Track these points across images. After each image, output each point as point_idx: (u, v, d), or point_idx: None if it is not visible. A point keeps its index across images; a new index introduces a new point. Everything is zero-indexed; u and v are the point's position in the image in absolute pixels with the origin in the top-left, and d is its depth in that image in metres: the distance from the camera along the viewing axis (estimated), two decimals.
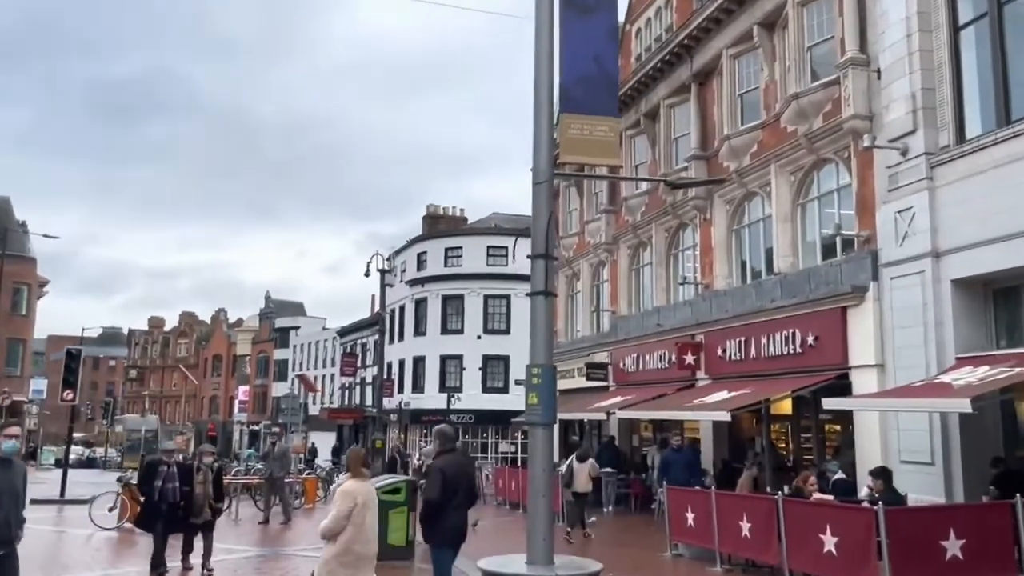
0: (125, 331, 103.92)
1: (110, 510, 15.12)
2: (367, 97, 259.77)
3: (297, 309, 76.56)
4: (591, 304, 26.27)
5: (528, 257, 8.86)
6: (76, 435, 68.36)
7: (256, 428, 67.60)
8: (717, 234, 18.88)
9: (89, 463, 53.34)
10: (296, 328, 69.78)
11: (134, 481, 15.39)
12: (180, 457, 14.83)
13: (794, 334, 15.35)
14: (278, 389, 67.46)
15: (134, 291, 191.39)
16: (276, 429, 40.60)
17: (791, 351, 15.40)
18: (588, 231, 26.15)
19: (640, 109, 22.38)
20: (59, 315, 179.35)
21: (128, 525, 15.06)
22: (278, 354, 70.45)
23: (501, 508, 22.12)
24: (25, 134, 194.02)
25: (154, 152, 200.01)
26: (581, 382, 24.55)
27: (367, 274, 29.27)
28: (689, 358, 18.78)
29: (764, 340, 16.25)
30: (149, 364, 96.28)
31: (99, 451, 60.54)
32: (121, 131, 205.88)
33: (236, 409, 78.19)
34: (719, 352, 17.87)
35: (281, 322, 71.33)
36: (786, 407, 16.88)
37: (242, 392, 76.89)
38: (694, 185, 12.28)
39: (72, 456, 59.58)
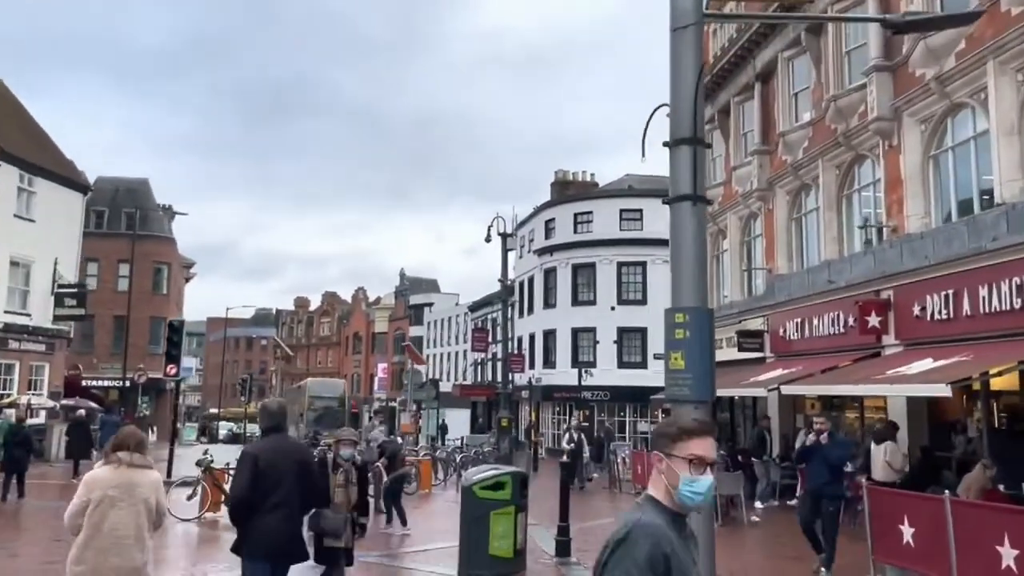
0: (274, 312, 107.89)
1: (188, 498, 13.35)
2: (497, 87, 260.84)
3: (431, 286, 75.92)
4: (741, 264, 22.61)
5: (665, 145, 5.85)
6: (222, 411, 70.84)
7: (394, 405, 67.50)
8: (908, 163, 14.91)
9: (234, 439, 54.42)
10: (430, 305, 68.96)
11: (216, 464, 13.57)
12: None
13: None
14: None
15: (288, 278, 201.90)
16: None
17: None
18: (736, 179, 22.47)
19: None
20: (222, 300, 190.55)
21: (209, 515, 13.27)
22: (413, 331, 69.92)
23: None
24: (190, 138, 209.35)
25: (303, 149, 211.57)
26: (731, 353, 21.04)
27: (488, 239, 26.77)
28: (873, 320, 15.01)
29: (983, 292, 12.36)
30: (295, 343, 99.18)
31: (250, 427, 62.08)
32: (274, 132, 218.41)
33: (376, 386, 78.81)
34: (915, 311, 14.04)
35: (415, 299, 70.78)
36: (1011, 380, 12.88)
37: (381, 369, 77.26)
38: (931, 28, 8.68)
39: (222, 432, 61.96)
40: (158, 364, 46.65)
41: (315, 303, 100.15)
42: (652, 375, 35.88)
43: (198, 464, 13.44)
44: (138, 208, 45.43)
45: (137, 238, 43.90)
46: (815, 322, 17.55)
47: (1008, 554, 6.71)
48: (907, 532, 8.28)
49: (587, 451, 23.84)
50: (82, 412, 25.47)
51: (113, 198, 45.48)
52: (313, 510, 6.30)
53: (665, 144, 5.73)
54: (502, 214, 27.64)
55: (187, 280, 63.83)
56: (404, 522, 13.29)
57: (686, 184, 5.58)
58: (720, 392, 21.26)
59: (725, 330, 21.75)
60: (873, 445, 12.87)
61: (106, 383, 41.92)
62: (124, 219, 43.71)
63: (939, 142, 14.60)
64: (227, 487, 13.81)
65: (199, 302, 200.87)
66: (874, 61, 15.53)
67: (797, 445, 14.97)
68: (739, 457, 18.98)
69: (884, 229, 15.61)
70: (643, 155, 6.29)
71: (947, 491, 8.05)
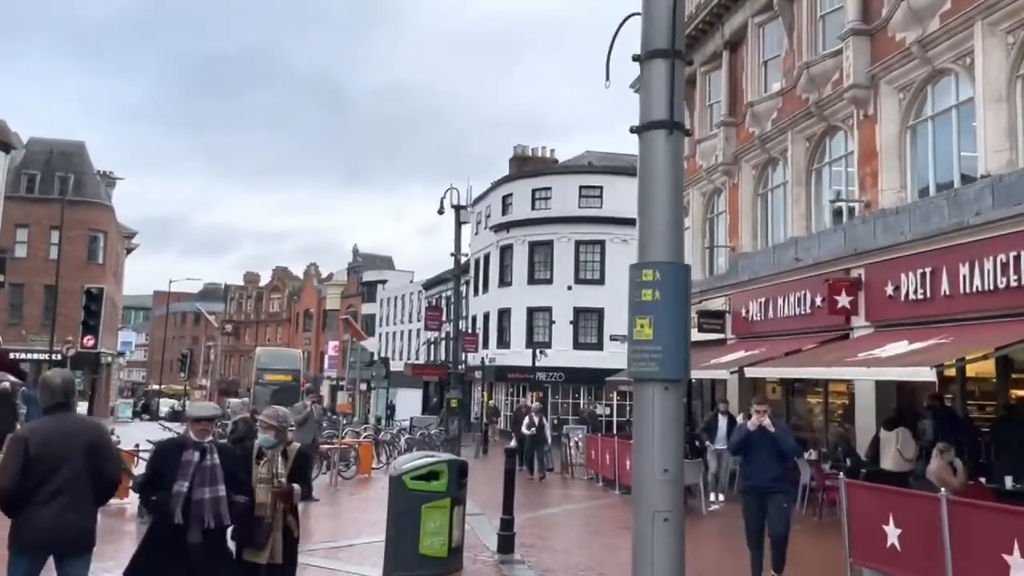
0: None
1: None
2: (458, 65, 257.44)
3: (385, 263, 74.18)
4: (703, 241, 21.69)
5: (636, 59, 4.67)
6: (163, 387, 68.40)
7: (343, 383, 65.92)
8: (885, 134, 14.02)
9: (175, 416, 52.37)
10: (384, 282, 67.34)
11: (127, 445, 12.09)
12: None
13: (1017, 259, 10.59)
14: (366, 344, 65.43)
15: (243, 253, 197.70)
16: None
17: (1009, 283, 10.66)
18: (700, 152, 21.49)
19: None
20: (173, 275, 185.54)
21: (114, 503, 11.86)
22: (366, 308, 68.32)
23: (593, 485, 18.13)
24: (140, 108, 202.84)
25: (259, 122, 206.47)
26: (693, 335, 20.09)
27: (441, 211, 25.47)
28: (843, 299, 14.18)
29: (963, 270, 11.52)
30: (244, 319, 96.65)
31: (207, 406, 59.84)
32: (228, 103, 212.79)
33: (326, 364, 77.02)
34: (888, 290, 13.20)
35: (369, 276, 69.08)
36: (987, 366, 12.10)
37: (331, 347, 75.44)
38: None
39: (164, 409, 59.74)
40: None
41: (266, 279, 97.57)
42: (608, 356, 35.06)
43: None
44: (73, 172, 43.07)
45: (70, 204, 41.52)
46: (780, 302, 16.69)
47: (1018, 564, 5.77)
48: (892, 533, 7.33)
49: (549, 437, 21.04)
50: (6, 385, 23.65)
51: (47, 161, 43.01)
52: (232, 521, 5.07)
53: (636, 58, 4.55)
54: (457, 186, 26.38)
55: (128, 251, 61.27)
56: None
57: (660, 107, 4.40)
58: None
59: None
60: (883, 431, 11.93)
61: (36, 356, 39.65)
62: (58, 184, 41.31)
63: (918, 111, 13.73)
64: (135, 470, 12.45)
65: (149, 277, 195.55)
66: (851, 24, 14.58)
67: (725, 436, 14.16)
68: (696, 443, 18.16)
69: (856, 204, 14.74)
70: (607, 77, 5.10)
71: (942, 489, 7.08)
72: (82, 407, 41.67)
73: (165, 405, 60.72)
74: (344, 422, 25.16)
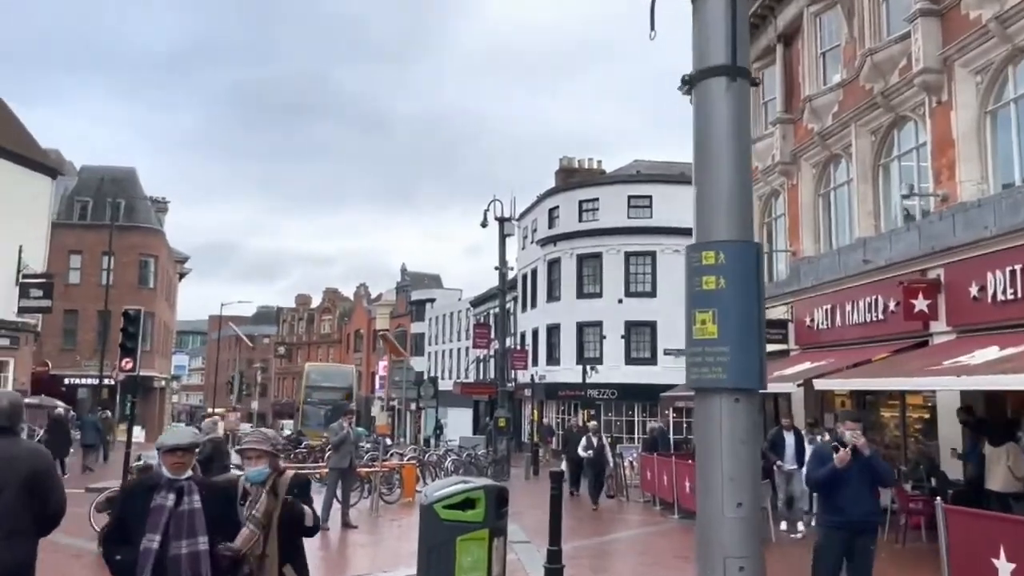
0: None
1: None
2: (500, 88, 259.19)
3: (433, 282, 73.94)
4: (762, 247, 20.46)
5: None
6: (218, 411, 68.97)
7: (394, 404, 65.57)
8: (961, 121, 12.80)
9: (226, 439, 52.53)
10: (432, 301, 67.00)
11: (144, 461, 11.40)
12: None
13: None
14: (416, 363, 65.05)
15: (293, 277, 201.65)
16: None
17: None
18: (756, 153, 20.33)
19: None
20: (227, 300, 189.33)
21: None
22: (415, 327, 68.01)
23: (649, 509, 17.00)
24: (195, 138, 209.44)
25: (309, 149, 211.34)
26: None
27: (484, 224, 24.83)
28: (920, 303, 12.93)
29: None
30: (296, 341, 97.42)
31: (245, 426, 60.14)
32: (279, 133, 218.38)
33: (377, 385, 76.88)
34: (972, 291, 11.94)
35: (417, 295, 68.83)
36: None
37: (382, 367, 75.27)
38: None
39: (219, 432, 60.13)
40: (146, 361, 44.92)
41: (317, 301, 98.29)
42: (662, 371, 33.84)
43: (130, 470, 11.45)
44: (124, 198, 43.60)
45: (121, 229, 42.03)
46: (848, 308, 15.46)
47: None
48: (1004, 569, 6.21)
49: (611, 460, 18.41)
50: (60, 411, 23.82)
51: (98, 188, 43.65)
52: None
53: None
54: (501, 199, 25.68)
55: (181, 276, 62.04)
56: None
57: (719, 49, 3.52)
58: None
59: None
60: (989, 447, 10.64)
61: (89, 381, 40.00)
62: (109, 210, 41.79)
63: (998, 95, 12.49)
64: None
65: (206, 302, 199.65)
66: (919, 4, 13.41)
67: (794, 454, 12.73)
68: (762, 462, 17.01)
69: (931, 199, 13.50)
70: (651, 27, 4.22)
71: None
72: (137, 432, 42.05)
73: (220, 428, 61.31)
74: (389, 443, 24.44)
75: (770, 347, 17.92)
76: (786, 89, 18.81)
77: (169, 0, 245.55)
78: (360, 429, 26.31)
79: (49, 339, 40.89)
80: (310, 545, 5.90)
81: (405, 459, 18.95)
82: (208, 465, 10.01)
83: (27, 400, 25.36)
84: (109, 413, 24.24)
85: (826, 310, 16.29)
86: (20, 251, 25.43)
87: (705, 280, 3.37)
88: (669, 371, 33.41)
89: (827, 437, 13.88)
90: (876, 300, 14.47)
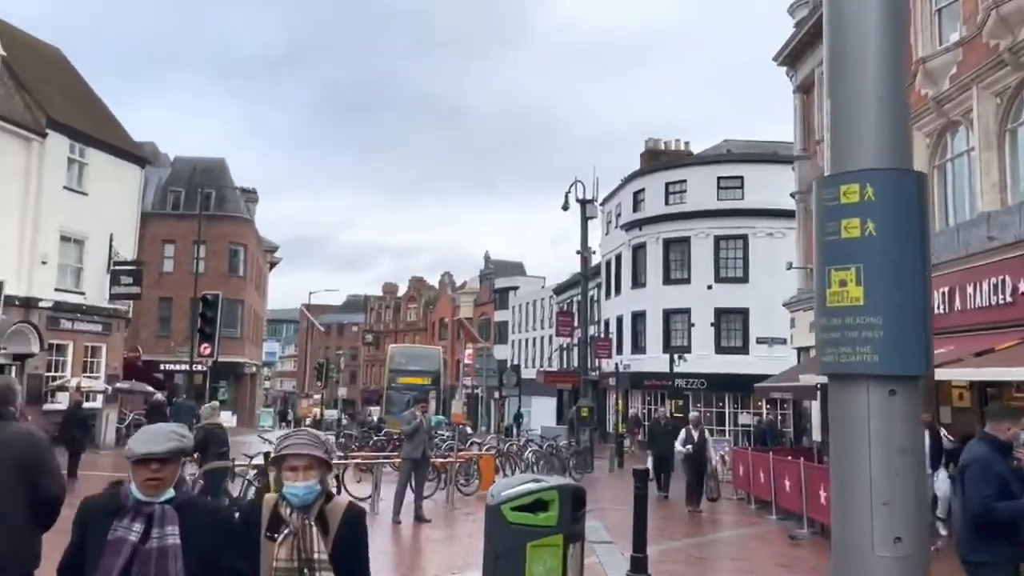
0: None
1: None
2: (579, 79, 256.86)
3: (516, 269, 73.44)
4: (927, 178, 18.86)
5: None
6: (308, 396, 70.35)
7: (477, 392, 65.46)
8: None
9: (315, 425, 53.38)
10: (515, 288, 66.50)
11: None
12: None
13: None
14: (499, 352, 64.74)
15: (381, 268, 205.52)
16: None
17: None
18: None
19: None
20: (313, 288, 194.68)
21: None
22: (498, 316, 67.70)
23: (743, 508, 15.83)
24: (294, 134, 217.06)
25: (394, 143, 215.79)
26: None
27: (565, 207, 23.91)
28: None
29: None
30: (383, 329, 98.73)
31: (332, 413, 61.15)
32: (366, 127, 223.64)
33: (461, 373, 77.08)
34: None
35: (500, 283, 68.45)
36: None
37: (467, 355, 75.31)
38: None
39: (307, 419, 61.31)
40: (236, 348, 46.04)
41: (403, 290, 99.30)
42: (755, 361, 32.21)
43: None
44: (214, 188, 44.56)
45: (211, 218, 42.96)
46: (969, 291, 13.89)
47: None
48: None
49: (714, 455, 16.39)
50: (159, 396, 24.51)
51: (190, 178, 44.71)
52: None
53: None
54: (581, 180, 24.67)
55: (271, 265, 63.40)
56: None
57: None
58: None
59: None
60: None
61: (182, 367, 41.07)
62: (200, 199, 42.83)
63: None
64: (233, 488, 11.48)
65: (300, 291, 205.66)
66: None
67: (929, 456, 10.89)
68: None
69: None
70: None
71: None
72: (227, 416, 43.09)
73: (218, 416, 62.38)
74: (470, 432, 23.91)
75: None
76: None
77: (263, 6, 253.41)
78: (440, 417, 25.89)
79: (145, 327, 42.25)
80: (376, 539, 5.03)
81: (484, 449, 18.30)
82: (203, 454, 9.61)
83: (119, 385, 26.04)
84: (161, 396, 24.53)
85: (943, 293, 14.71)
86: (111, 239, 25.97)
87: (845, 225, 2.42)
88: (762, 361, 31.77)
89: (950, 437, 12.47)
90: (1003, 281, 12.90)
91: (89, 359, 25.77)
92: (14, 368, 22.55)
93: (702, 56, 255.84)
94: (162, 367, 41.25)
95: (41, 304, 23.36)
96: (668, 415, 16.73)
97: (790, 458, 14.25)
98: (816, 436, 20.57)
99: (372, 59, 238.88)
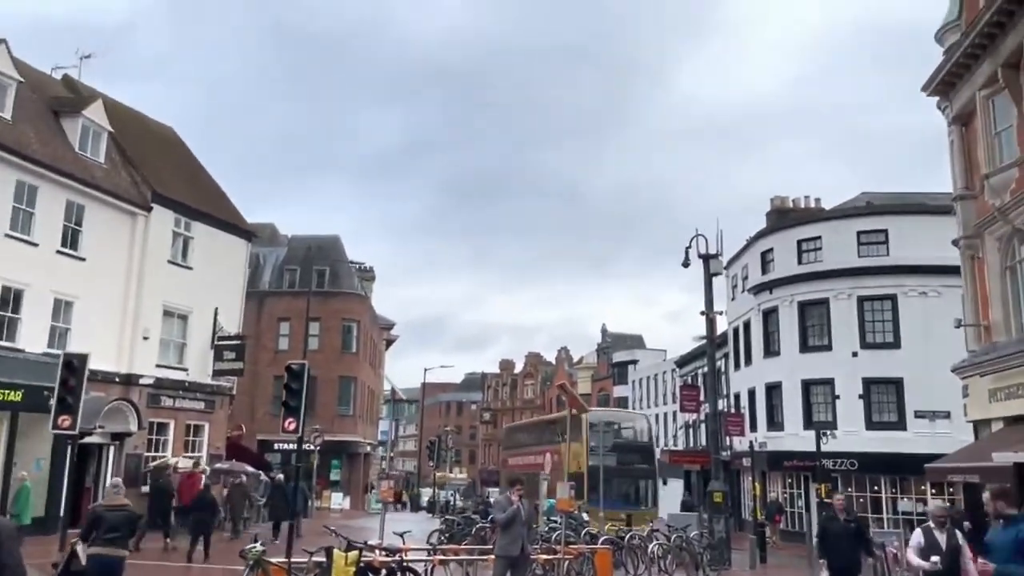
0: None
1: None
2: (693, 157, 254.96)
3: (635, 342, 70.43)
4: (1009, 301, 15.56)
5: None
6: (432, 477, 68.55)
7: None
8: None
9: (429, 508, 51.46)
10: (634, 362, 63.49)
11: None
12: None
13: None
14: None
15: (500, 347, 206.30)
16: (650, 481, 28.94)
17: None
18: (989, 189, 15.71)
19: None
20: (441, 370, 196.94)
21: None
22: (617, 391, 64.67)
23: None
24: (418, 223, 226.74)
25: (515, 226, 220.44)
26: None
27: (686, 263, 21.50)
28: None
29: None
30: (500, 406, 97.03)
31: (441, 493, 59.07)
32: (487, 212, 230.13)
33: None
34: None
35: (619, 356, 65.66)
36: None
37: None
38: None
39: (424, 498, 59.55)
40: (349, 427, 45.18)
41: (519, 366, 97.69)
42: (913, 438, 28.16)
43: (242, 556, 9.31)
44: (328, 265, 44.69)
45: (325, 295, 42.87)
46: None
47: None
48: None
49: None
50: (280, 476, 23.65)
51: (305, 256, 45.09)
52: None
53: None
54: (703, 233, 22.22)
55: (388, 343, 63.13)
56: None
57: None
58: None
59: None
60: None
61: (291, 447, 40.38)
62: (315, 276, 42.93)
63: None
64: None
65: (419, 373, 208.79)
66: None
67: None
68: None
69: None
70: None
71: None
72: (338, 498, 41.85)
73: (426, 494, 60.67)
74: (586, 518, 21.26)
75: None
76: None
77: (384, 105, 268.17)
78: (551, 500, 23.14)
79: (260, 406, 42.06)
80: None
81: (600, 542, 15.69)
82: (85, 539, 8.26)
83: (218, 465, 25.02)
84: (282, 477, 23.38)
85: None
86: (216, 313, 25.47)
87: None
88: (922, 437, 27.70)
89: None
90: None
91: (191, 438, 25.01)
92: (112, 448, 21.89)
93: (825, 128, 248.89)
94: (276, 447, 40.75)
95: (142, 381, 22.81)
96: (839, 500, 10.73)
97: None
98: None
99: (492, 147, 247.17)
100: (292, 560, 10.38)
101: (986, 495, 7.13)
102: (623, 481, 28.90)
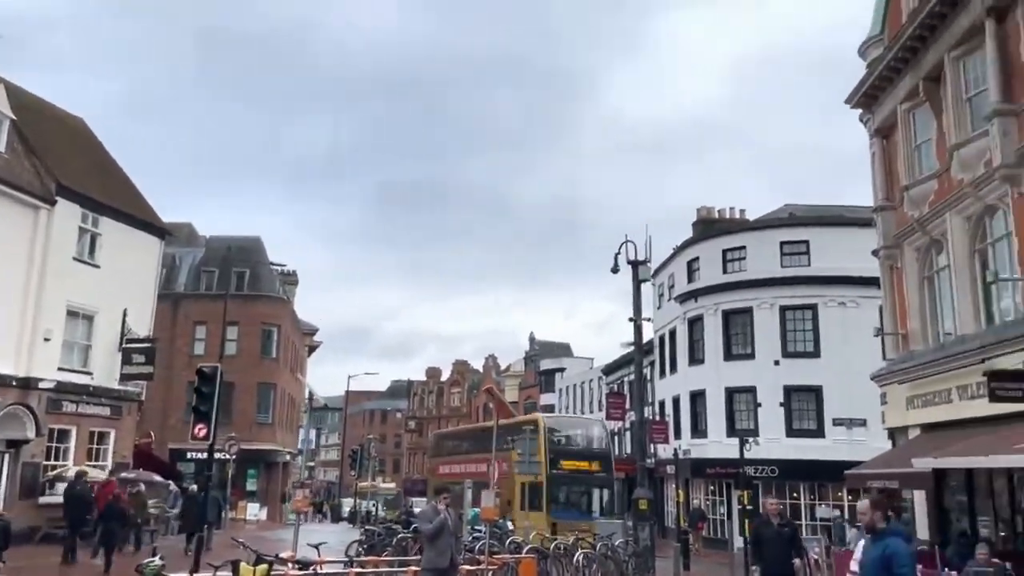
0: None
1: None
2: (623, 170, 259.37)
3: (563, 351, 70.60)
4: (973, 279, 15.95)
5: None
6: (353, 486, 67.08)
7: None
8: None
9: (351, 518, 50.27)
10: (561, 370, 63.56)
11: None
12: None
13: None
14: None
15: (427, 355, 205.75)
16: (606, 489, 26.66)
17: None
18: (958, 165, 16.06)
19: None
20: (367, 378, 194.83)
21: None
22: (544, 399, 64.60)
23: None
24: (346, 232, 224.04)
25: (443, 236, 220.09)
26: (973, 408, 14.63)
27: (615, 269, 21.40)
28: None
29: None
30: (426, 415, 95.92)
31: (367, 503, 57.91)
32: (416, 222, 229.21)
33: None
34: None
35: (546, 364, 65.65)
36: None
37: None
38: None
39: (345, 509, 58.15)
40: (268, 435, 43.64)
41: (446, 374, 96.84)
42: (831, 445, 28.77)
43: (138, 571, 8.57)
44: (248, 267, 43.22)
45: (245, 298, 41.42)
46: None
47: None
48: None
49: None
50: (194, 487, 22.92)
51: (224, 258, 43.45)
52: None
53: None
54: (632, 240, 22.17)
55: (311, 350, 61.47)
56: None
57: None
58: (961, 463, 14.65)
59: (958, 375, 15.28)
60: None
61: (201, 455, 38.77)
62: (234, 279, 41.35)
63: None
64: None
65: (344, 381, 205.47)
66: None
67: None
68: (1007, 565, 12.50)
69: None
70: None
71: None
72: (255, 510, 40.30)
73: (347, 505, 59.27)
74: (511, 528, 20.86)
75: (1006, 408, 13.37)
76: (1003, 73, 14.60)
77: (316, 111, 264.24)
78: (475, 509, 22.47)
79: (173, 412, 40.26)
80: None
81: (524, 551, 15.30)
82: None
83: (123, 475, 23.64)
84: (196, 487, 22.36)
85: None
86: (124, 315, 24.14)
87: None
88: (840, 445, 28.34)
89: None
90: None
91: (95, 445, 23.58)
92: (7, 456, 20.41)
93: (750, 143, 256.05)
94: (189, 456, 39.04)
95: (42, 384, 21.36)
96: (779, 510, 10.40)
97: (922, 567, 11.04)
98: (924, 534, 17.09)
99: (423, 157, 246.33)
100: (196, 575, 9.64)
101: (863, 503, 6.68)
102: (579, 490, 27.95)
